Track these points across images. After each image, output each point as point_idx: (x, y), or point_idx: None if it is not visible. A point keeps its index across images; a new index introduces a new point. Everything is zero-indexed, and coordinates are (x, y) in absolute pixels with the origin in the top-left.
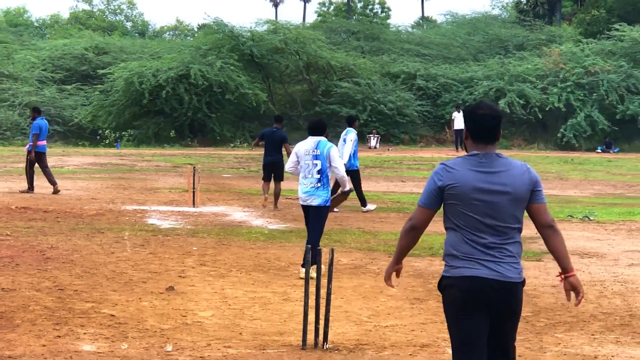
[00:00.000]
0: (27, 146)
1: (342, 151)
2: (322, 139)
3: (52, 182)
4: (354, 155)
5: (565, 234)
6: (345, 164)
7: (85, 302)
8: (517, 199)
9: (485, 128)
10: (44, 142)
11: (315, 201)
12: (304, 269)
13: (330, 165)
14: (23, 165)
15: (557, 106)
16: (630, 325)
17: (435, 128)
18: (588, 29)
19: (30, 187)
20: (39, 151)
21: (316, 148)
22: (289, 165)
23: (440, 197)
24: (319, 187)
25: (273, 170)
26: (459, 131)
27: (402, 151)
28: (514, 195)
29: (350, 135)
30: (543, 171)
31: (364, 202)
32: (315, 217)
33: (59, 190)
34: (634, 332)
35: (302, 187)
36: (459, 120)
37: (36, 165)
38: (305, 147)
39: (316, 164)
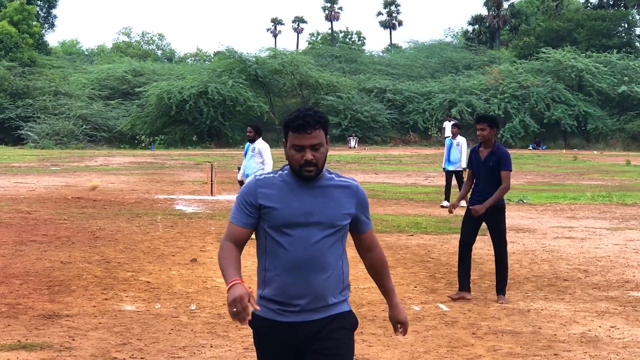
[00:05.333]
0: None
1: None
2: None
3: None
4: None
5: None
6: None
7: (126, 271)
8: None
9: None
10: None
11: None
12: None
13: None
14: (77, 164)
15: (497, 113)
16: (555, 285)
17: (402, 131)
18: (521, 52)
19: None
20: None
21: None
22: None
23: None
24: None
25: None
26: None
27: (376, 150)
28: None
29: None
30: None
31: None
32: None
33: None
34: (558, 290)
35: None
36: (448, 129)
37: None
38: None
39: None
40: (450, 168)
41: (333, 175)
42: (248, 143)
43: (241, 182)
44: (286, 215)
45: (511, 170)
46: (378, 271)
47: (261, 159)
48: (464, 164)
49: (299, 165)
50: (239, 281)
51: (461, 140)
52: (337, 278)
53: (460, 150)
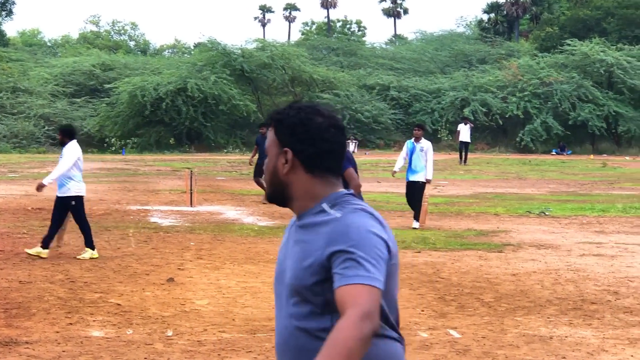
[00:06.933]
0: None
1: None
2: None
3: None
4: None
5: (524, 228)
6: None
7: (94, 292)
8: None
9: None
10: None
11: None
12: None
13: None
14: (37, 170)
15: (516, 113)
16: (581, 309)
17: (407, 134)
18: (543, 44)
19: None
20: None
21: None
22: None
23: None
24: None
25: None
26: (464, 143)
27: (378, 155)
28: None
29: None
30: (504, 172)
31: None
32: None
33: None
34: (585, 315)
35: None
36: (464, 133)
37: None
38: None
39: None
40: (412, 178)
41: (325, 205)
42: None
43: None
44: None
45: (350, 167)
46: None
47: None
48: (429, 174)
49: None
50: None
51: (426, 144)
52: None
53: (425, 157)
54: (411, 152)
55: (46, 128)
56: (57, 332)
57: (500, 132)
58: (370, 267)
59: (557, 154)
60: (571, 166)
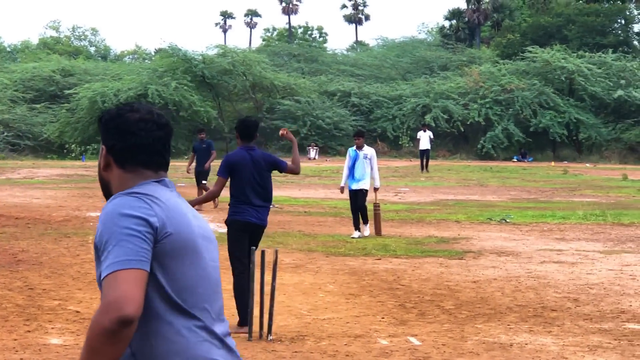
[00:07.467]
0: None
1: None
2: None
3: None
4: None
5: (485, 235)
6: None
7: (53, 300)
8: None
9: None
10: None
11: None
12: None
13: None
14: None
15: (477, 120)
16: (542, 316)
17: (369, 141)
18: (504, 51)
19: None
20: None
21: None
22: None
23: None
24: None
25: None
26: (424, 151)
27: (339, 162)
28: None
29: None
30: (465, 179)
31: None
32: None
33: None
34: (545, 322)
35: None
36: (424, 140)
37: None
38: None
39: None
40: (355, 187)
41: None
42: None
43: None
44: None
45: (219, 176)
46: None
47: None
48: (377, 182)
49: None
50: None
51: (370, 152)
52: None
53: (369, 165)
54: (354, 161)
55: (5, 134)
56: (15, 339)
57: (461, 139)
58: (117, 251)
59: (519, 160)
60: (532, 173)
